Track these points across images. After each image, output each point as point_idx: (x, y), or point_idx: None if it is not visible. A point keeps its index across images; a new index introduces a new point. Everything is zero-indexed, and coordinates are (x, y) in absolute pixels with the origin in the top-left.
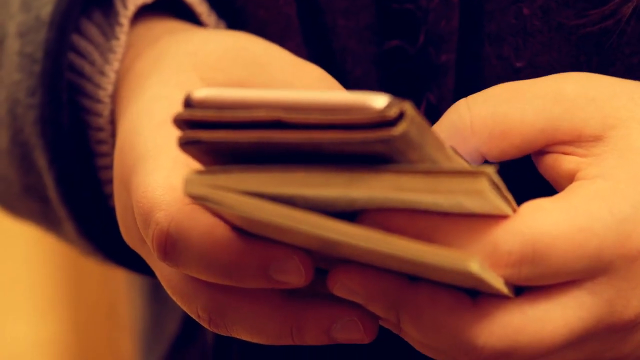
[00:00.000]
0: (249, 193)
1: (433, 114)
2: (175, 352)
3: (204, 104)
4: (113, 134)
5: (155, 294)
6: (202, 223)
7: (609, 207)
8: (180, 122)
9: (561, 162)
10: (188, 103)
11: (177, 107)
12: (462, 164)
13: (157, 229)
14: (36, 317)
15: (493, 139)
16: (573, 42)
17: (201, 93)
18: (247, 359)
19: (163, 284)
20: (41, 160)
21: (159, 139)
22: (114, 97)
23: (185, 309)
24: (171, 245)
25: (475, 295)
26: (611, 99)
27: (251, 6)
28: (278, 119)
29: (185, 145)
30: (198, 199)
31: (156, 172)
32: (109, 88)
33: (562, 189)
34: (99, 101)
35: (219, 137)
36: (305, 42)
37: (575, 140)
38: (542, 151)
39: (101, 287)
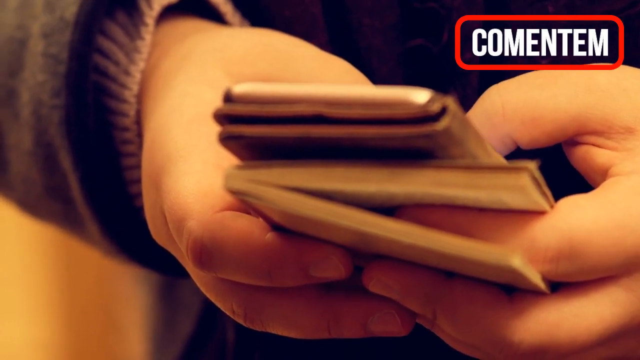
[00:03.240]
0: (290, 188)
1: None
2: (190, 353)
3: (244, 99)
4: (139, 134)
5: (167, 295)
6: (236, 230)
7: None
8: (220, 117)
9: (593, 154)
10: (228, 98)
11: (206, 104)
12: (502, 160)
13: (191, 239)
14: (30, 318)
15: (525, 125)
16: None
17: (241, 88)
18: (269, 359)
19: (196, 281)
20: (66, 161)
21: (189, 137)
22: (140, 96)
23: (219, 305)
24: (207, 254)
25: (509, 291)
26: None
27: (276, 6)
28: (320, 114)
29: (226, 140)
30: (238, 194)
31: (187, 177)
32: (135, 88)
33: (594, 182)
34: (124, 101)
35: (262, 132)
36: (330, 41)
37: (606, 131)
38: (574, 141)
39: (95, 288)
